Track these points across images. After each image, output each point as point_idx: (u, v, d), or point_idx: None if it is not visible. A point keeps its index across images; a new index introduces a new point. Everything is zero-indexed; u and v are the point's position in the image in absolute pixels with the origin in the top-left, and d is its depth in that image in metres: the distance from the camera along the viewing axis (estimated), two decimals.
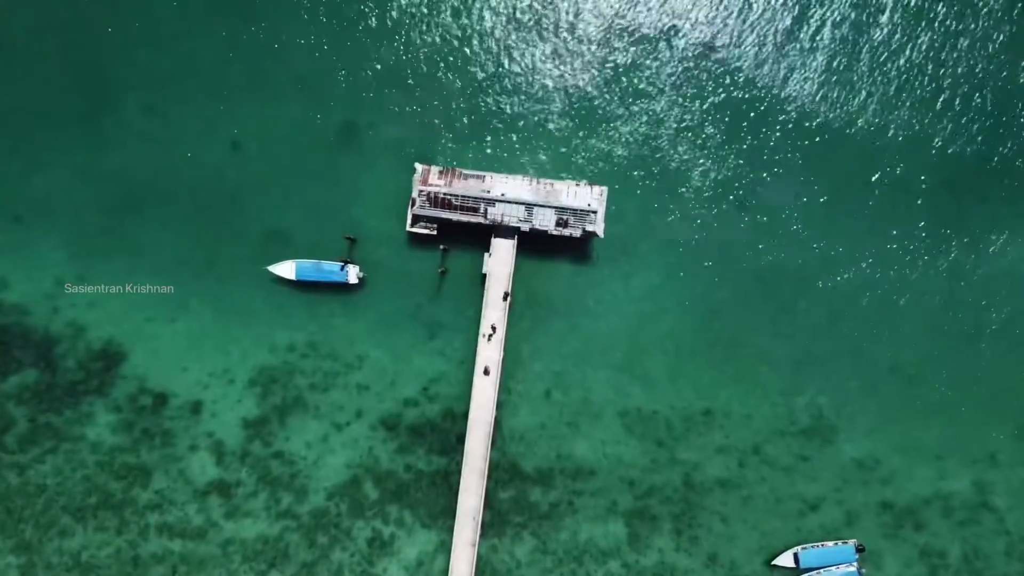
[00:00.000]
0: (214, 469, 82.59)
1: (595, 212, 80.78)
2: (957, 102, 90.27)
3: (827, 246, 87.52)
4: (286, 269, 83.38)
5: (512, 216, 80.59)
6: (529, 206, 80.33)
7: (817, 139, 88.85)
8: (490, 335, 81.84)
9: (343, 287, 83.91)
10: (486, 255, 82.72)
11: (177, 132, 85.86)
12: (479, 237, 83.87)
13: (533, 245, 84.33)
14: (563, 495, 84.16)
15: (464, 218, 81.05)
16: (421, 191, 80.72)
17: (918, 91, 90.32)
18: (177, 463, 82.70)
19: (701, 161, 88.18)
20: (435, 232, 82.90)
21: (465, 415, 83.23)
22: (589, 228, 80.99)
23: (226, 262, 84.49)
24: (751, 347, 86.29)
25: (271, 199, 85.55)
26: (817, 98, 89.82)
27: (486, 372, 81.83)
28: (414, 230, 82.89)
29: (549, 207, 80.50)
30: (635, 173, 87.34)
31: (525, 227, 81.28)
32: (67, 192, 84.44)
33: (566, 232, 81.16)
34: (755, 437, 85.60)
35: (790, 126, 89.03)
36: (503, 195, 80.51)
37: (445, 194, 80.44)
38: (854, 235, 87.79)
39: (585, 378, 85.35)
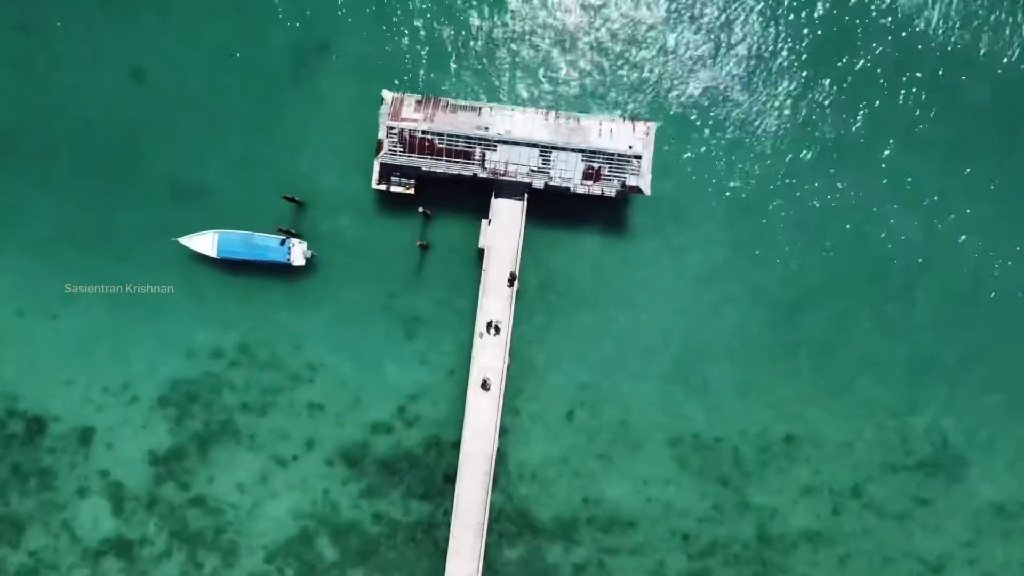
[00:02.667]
0: (110, 521, 61.95)
1: (638, 158, 56.81)
2: None
3: (956, 219, 63.45)
4: (205, 243, 60.03)
5: (520, 165, 56.71)
6: (545, 150, 56.42)
7: (945, 71, 64.46)
8: (490, 334, 58.59)
9: (285, 269, 60.59)
10: (484, 223, 59.13)
11: (58, 56, 62.41)
12: (474, 197, 60.38)
13: (550, 208, 60.89)
14: (592, 555, 61.23)
15: (453, 169, 57.26)
16: (391, 129, 56.81)
17: None
18: (60, 513, 61.93)
19: (783, 98, 64.13)
20: (412, 191, 59.29)
21: (456, 445, 60.13)
22: (630, 182, 57.08)
23: (123, 233, 62.74)
24: (850, 350, 62.75)
25: (184, 147, 62.22)
26: (958, 15, 65.41)
27: (484, 386, 58.54)
28: (383, 188, 59.39)
29: (573, 151, 56.59)
30: (691, 112, 63.46)
31: (539, 183, 57.74)
32: None
33: (596, 189, 57.37)
34: (855, 474, 62.45)
35: (912, 51, 64.62)
36: (507, 134, 56.69)
37: (425, 133, 56.57)
38: (991, 201, 63.66)
39: (621, 393, 62.09)
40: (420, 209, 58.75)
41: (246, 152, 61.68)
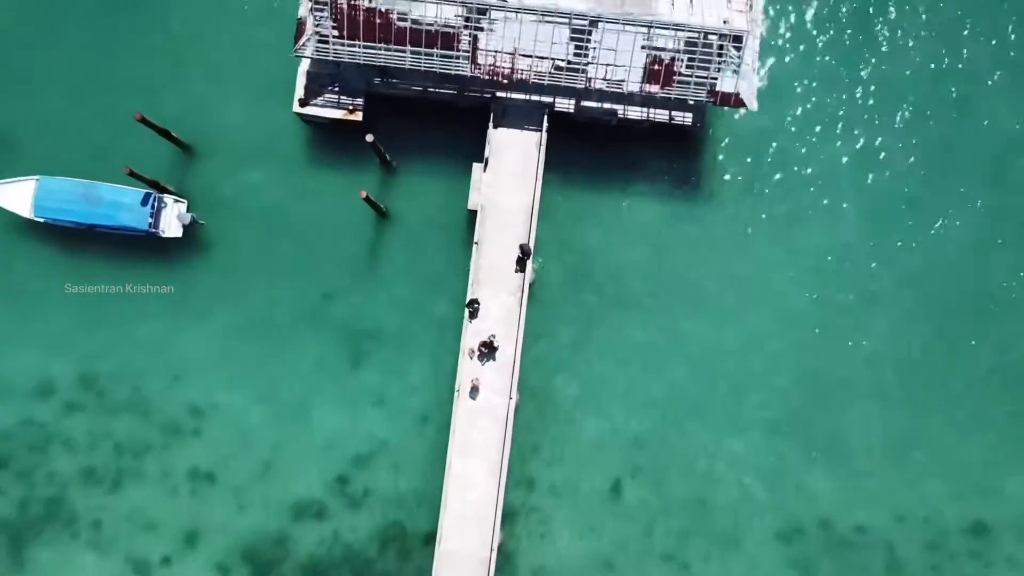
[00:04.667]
0: None
1: (738, 43, 32.72)
2: None
3: None
4: (17, 197, 36.84)
5: (537, 59, 33.29)
6: (580, 31, 33.18)
7: None
8: (483, 352, 34.94)
9: (151, 244, 37.36)
10: (476, 168, 36.14)
11: None
12: (458, 122, 37.77)
13: (584, 147, 38.34)
14: None
15: (422, 65, 34.14)
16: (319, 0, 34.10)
17: None
18: None
19: None
20: (358, 116, 36.43)
21: (430, 541, 35.95)
22: (723, 86, 33.12)
23: None
24: None
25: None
26: None
27: (473, 452, 34.47)
28: (311, 114, 36.65)
29: (627, 26, 32.99)
30: None
31: (566, 104, 35.12)
32: None
33: (661, 115, 34.69)
34: None
35: None
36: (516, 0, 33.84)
37: (375, 3, 33.69)
38: None
39: (698, 454, 37.99)
40: (369, 139, 35.05)
41: (79, 47, 38.90)
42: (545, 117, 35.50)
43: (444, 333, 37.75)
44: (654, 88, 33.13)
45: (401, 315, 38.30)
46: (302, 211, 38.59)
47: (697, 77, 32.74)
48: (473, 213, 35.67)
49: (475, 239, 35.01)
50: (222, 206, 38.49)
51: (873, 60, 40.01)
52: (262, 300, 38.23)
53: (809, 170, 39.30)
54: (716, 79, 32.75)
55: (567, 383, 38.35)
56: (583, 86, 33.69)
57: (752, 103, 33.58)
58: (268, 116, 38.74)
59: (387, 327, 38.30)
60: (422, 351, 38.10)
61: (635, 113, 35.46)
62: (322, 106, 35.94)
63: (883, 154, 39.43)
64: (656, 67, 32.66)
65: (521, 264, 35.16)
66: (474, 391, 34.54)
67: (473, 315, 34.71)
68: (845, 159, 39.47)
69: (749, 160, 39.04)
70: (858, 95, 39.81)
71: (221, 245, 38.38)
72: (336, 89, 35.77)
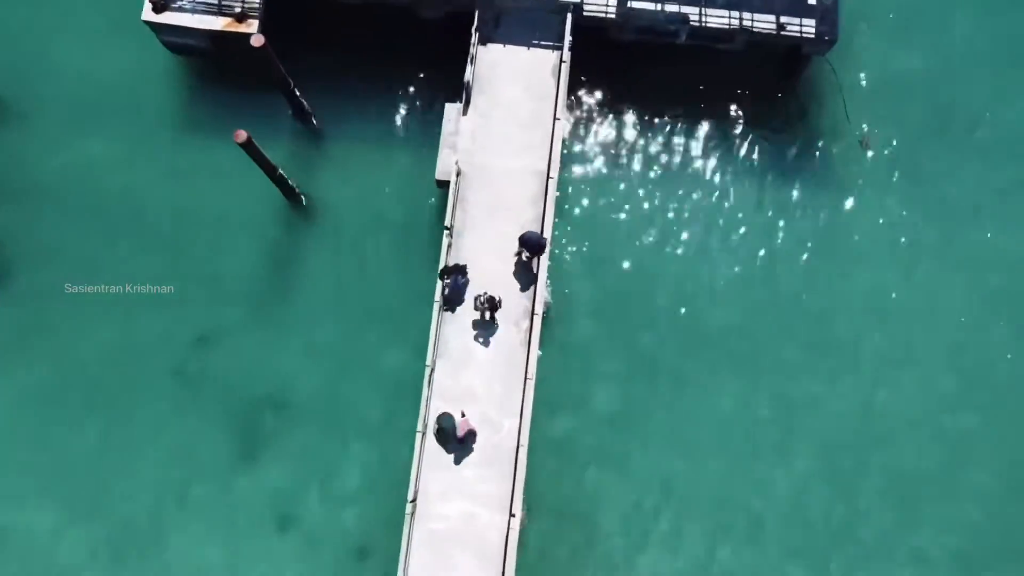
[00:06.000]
0: None
1: None
2: None
3: None
4: None
5: None
6: None
7: None
8: (456, 444, 19.16)
9: None
10: (451, 110, 20.97)
11: None
12: (421, 44, 23.41)
13: (628, 75, 23.86)
14: None
15: None
16: None
17: None
18: None
19: None
20: (252, 24, 21.47)
21: None
22: None
23: None
24: None
25: None
26: None
27: None
28: (172, 21, 21.58)
29: None
30: None
31: (601, 5, 20.90)
32: None
33: (764, 23, 20.54)
34: None
35: None
36: None
37: None
38: None
39: None
40: (257, 41, 19.38)
41: None
42: (567, 27, 20.96)
43: (397, 399, 22.03)
44: None
45: (326, 371, 22.71)
46: (166, 200, 23.47)
47: None
48: (444, 187, 20.63)
49: (446, 225, 19.80)
50: (35, 195, 23.53)
51: None
52: (89, 348, 22.61)
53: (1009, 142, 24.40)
54: None
55: (606, 487, 22.42)
56: None
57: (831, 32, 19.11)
58: (120, 54, 24.19)
59: (302, 391, 22.55)
60: (360, 432, 22.24)
61: (718, 19, 21.00)
62: (192, 11, 21.35)
63: None
64: None
65: (526, 270, 19.92)
66: (456, 438, 18.83)
67: (449, 303, 19.37)
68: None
69: (907, 120, 24.18)
70: None
71: (27, 257, 23.22)
72: None
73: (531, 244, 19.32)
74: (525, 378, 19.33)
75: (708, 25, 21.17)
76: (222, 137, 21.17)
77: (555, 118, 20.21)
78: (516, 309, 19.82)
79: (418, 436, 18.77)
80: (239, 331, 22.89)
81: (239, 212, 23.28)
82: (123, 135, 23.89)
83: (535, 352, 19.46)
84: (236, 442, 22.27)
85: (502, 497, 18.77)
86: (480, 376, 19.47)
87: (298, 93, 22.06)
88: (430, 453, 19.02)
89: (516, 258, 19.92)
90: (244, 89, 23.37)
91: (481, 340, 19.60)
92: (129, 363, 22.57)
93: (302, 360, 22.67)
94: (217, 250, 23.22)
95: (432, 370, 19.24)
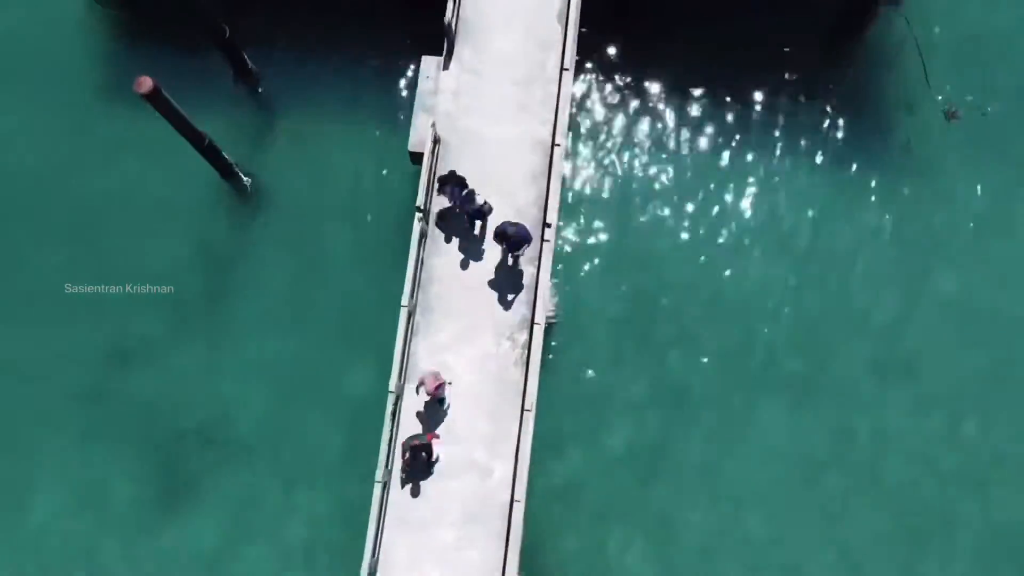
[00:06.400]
0: None
1: None
2: None
3: None
4: None
5: None
6: None
7: None
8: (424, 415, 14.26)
9: None
10: (428, 64, 16.45)
11: None
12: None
13: (653, 24, 19.39)
14: None
15: None
16: None
17: None
18: None
19: None
20: None
21: None
22: None
23: None
24: None
25: None
26: None
27: None
28: None
29: None
30: None
31: None
32: None
33: None
34: None
35: None
36: None
37: None
38: None
39: None
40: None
41: None
42: None
43: (359, 432, 17.25)
44: None
45: (270, 396, 18.02)
46: (77, 182, 18.92)
47: None
48: (420, 162, 16.04)
49: (417, 206, 15.17)
50: None
51: None
52: None
53: None
54: None
55: (625, 549, 17.58)
56: None
57: None
58: (22, 1, 19.80)
59: (241, 422, 17.86)
60: (311, 475, 17.54)
61: None
62: None
63: None
64: None
65: (512, 267, 15.28)
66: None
67: (443, 220, 14.63)
68: None
69: (1001, 87, 19.43)
70: None
71: None
72: None
73: (509, 237, 14.62)
74: (523, 409, 14.64)
75: None
76: (146, 104, 16.59)
77: (562, 68, 15.60)
78: (510, 319, 15.17)
79: (377, 487, 14.03)
80: (164, 346, 18.15)
81: (167, 198, 18.63)
82: (22, 101, 19.31)
83: (535, 375, 14.77)
84: (155, 486, 17.54)
85: (491, 565, 14.03)
86: (463, 406, 14.79)
87: (240, 49, 17.56)
88: (395, 507, 14.30)
89: (501, 256, 15.31)
90: (175, 47, 18.84)
91: (464, 357, 14.95)
92: (23, 384, 17.92)
93: (242, 383, 17.95)
94: (139, 245, 18.53)
95: (398, 397, 14.56)
